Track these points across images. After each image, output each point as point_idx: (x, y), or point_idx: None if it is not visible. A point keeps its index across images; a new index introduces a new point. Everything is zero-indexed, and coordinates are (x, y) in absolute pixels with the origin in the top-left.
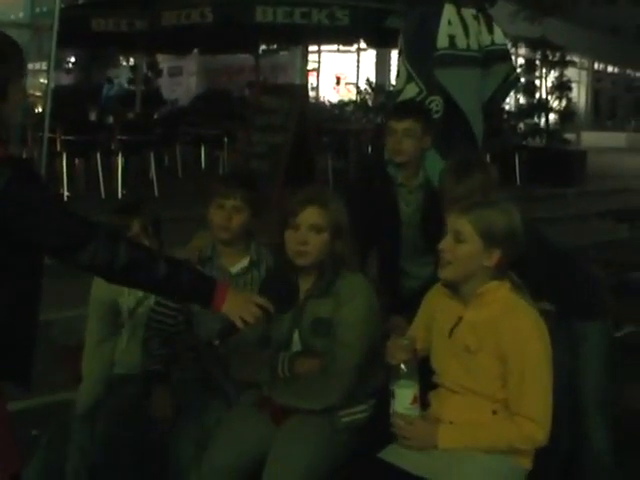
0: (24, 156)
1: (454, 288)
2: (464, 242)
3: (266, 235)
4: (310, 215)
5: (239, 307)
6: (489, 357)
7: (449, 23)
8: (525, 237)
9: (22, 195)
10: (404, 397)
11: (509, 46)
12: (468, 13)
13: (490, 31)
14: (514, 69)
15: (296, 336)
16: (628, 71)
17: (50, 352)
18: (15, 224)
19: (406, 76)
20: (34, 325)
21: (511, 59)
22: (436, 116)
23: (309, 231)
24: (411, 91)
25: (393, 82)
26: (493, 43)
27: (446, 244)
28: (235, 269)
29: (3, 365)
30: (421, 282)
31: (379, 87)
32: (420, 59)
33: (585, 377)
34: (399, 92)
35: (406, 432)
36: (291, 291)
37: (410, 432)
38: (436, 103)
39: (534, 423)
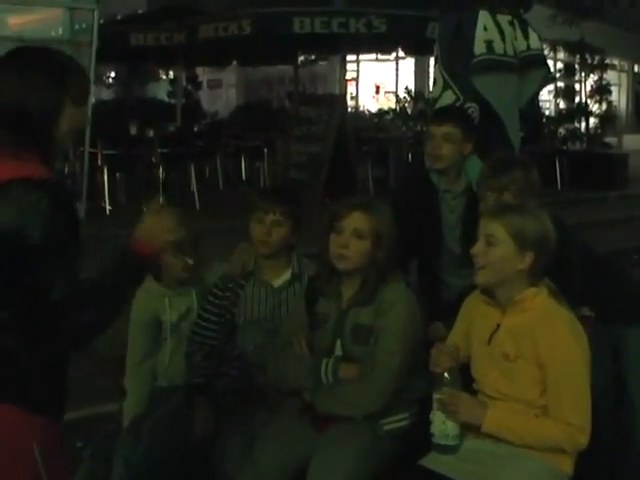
0: (66, 171)
1: (491, 294)
2: (496, 245)
3: (306, 246)
4: (355, 220)
5: (151, 235)
6: (528, 364)
7: (485, 29)
8: (564, 242)
9: (45, 222)
10: None
11: (547, 50)
12: (504, 19)
13: (526, 36)
14: (550, 72)
15: (338, 344)
16: None
17: (94, 364)
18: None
19: (442, 83)
20: (66, 359)
21: (547, 64)
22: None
23: (352, 236)
24: (448, 99)
25: (432, 90)
26: (529, 48)
27: (479, 248)
28: (277, 283)
29: (36, 397)
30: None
31: (418, 95)
32: (456, 66)
33: (630, 382)
34: (436, 100)
35: (453, 403)
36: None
37: (457, 405)
38: (472, 110)
39: (573, 428)
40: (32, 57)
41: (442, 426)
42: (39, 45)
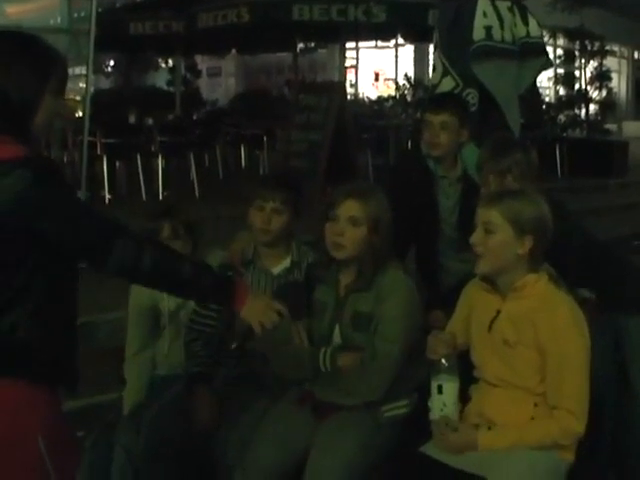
0: (65, 160)
1: (492, 281)
2: (495, 232)
3: (307, 234)
4: (349, 207)
5: (258, 311)
6: (528, 350)
7: (484, 15)
8: (562, 224)
9: (45, 196)
10: (445, 391)
11: (547, 37)
12: (503, 5)
13: (525, 23)
14: (549, 60)
15: (337, 331)
16: None
17: (94, 353)
18: (39, 226)
19: (442, 70)
20: (74, 325)
21: (546, 52)
22: (472, 109)
23: (347, 223)
24: (447, 85)
25: (431, 76)
26: (528, 35)
27: (477, 237)
28: (277, 270)
29: (50, 369)
30: (460, 276)
31: (418, 82)
32: (455, 52)
33: (632, 371)
34: (435, 86)
35: (442, 441)
36: (302, 298)
37: (447, 442)
38: (472, 96)
39: (572, 415)
40: (17, 44)
41: (440, 413)
42: (25, 32)
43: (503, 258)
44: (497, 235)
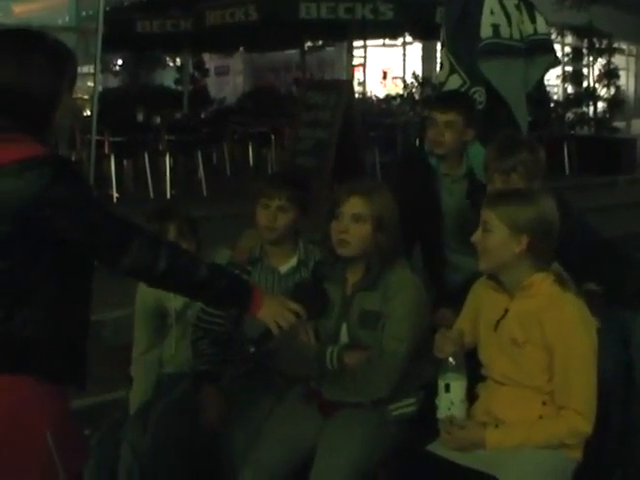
0: (73, 158)
1: (498, 280)
2: (491, 232)
3: (314, 232)
4: (353, 205)
5: (274, 313)
6: (536, 349)
7: (491, 13)
8: (567, 226)
9: (63, 195)
10: (453, 390)
11: (554, 34)
12: (510, 3)
13: (532, 20)
14: (557, 57)
15: (344, 329)
16: None
17: (101, 352)
18: (55, 224)
19: (449, 68)
20: (86, 325)
21: (554, 49)
22: (479, 107)
23: (351, 220)
24: (454, 83)
25: (438, 74)
26: (536, 32)
27: (477, 236)
28: (284, 269)
29: (59, 367)
30: (467, 274)
31: (426, 80)
32: (463, 50)
33: (637, 368)
34: (442, 84)
35: (450, 439)
36: (322, 298)
37: (454, 440)
38: (479, 94)
39: (580, 416)
40: (31, 41)
41: (448, 412)
42: (34, 29)
43: (500, 256)
44: (494, 235)
